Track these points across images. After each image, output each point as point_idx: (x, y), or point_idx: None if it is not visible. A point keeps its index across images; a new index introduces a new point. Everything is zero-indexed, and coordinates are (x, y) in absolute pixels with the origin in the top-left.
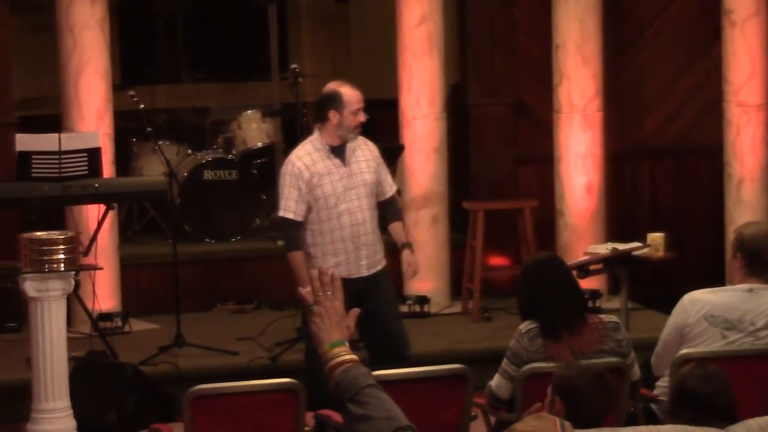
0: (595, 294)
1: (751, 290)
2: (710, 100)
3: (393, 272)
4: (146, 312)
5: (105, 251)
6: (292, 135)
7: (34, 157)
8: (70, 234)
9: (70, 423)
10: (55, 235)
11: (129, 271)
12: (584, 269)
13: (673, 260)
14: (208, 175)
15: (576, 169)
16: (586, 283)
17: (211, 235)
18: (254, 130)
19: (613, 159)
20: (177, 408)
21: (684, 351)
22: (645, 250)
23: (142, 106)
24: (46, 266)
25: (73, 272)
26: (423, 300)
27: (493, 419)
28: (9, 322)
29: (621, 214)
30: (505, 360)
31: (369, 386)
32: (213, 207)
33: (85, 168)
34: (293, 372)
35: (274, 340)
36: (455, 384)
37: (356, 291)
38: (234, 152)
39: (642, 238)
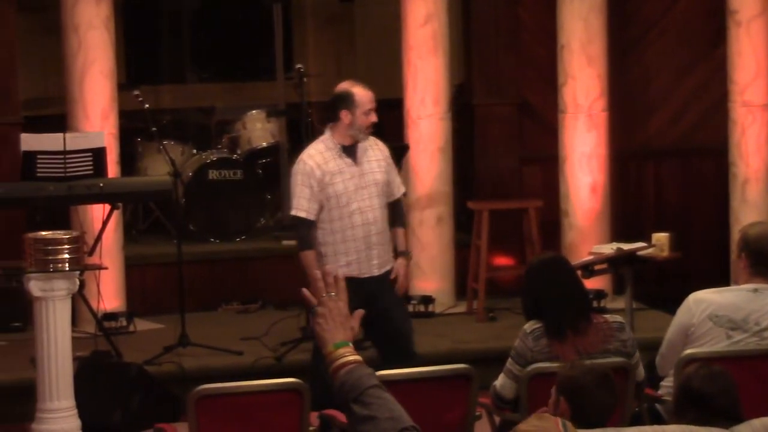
0: (599, 294)
1: (756, 290)
2: (715, 99)
3: None
4: (151, 312)
5: (110, 251)
6: (296, 135)
7: (39, 156)
8: (74, 234)
9: (75, 422)
10: (59, 234)
11: (134, 270)
12: (589, 269)
13: (678, 260)
14: (212, 174)
15: (581, 169)
16: (591, 283)
17: (216, 235)
18: (259, 129)
19: (618, 159)
20: (181, 408)
21: (689, 351)
22: (650, 250)
23: (147, 105)
24: (51, 266)
25: (78, 272)
26: (428, 300)
27: (497, 419)
28: (14, 321)
29: (626, 214)
30: (509, 360)
31: (373, 387)
32: (218, 207)
33: (90, 168)
34: (298, 372)
35: (279, 339)
36: (460, 384)
37: (367, 290)
38: (239, 152)
39: (647, 238)
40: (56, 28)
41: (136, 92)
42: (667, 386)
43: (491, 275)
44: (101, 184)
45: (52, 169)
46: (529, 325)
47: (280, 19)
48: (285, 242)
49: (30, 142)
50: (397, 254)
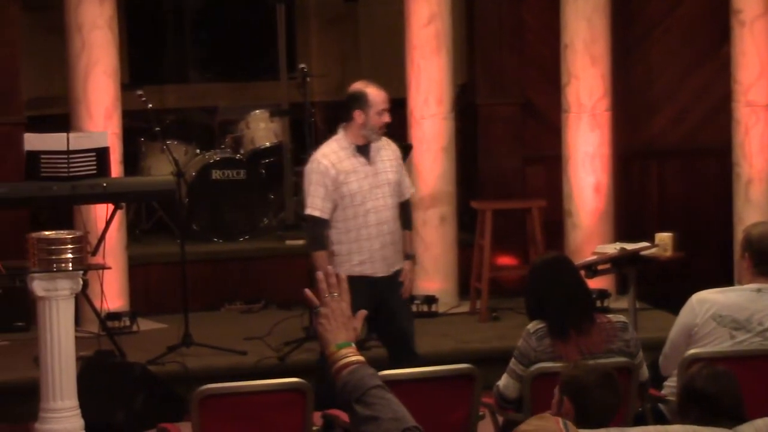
0: (603, 294)
1: (759, 290)
2: (719, 99)
3: None
4: (154, 311)
5: (113, 251)
6: (300, 135)
7: (42, 156)
8: (78, 233)
9: (78, 422)
10: (63, 234)
11: (137, 270)
12: (592, 269)
13: (682, 260)
14: (216, 174)
15: (584, 168)
16: (594, 283)
17: (219, 235)
18: (262, 129)
19: (621, 159)
20: (185, 407)
21: (692, 351)
22: (653, 250)
23: (151, 105)
24: (55, 266)
25: (81, 272)
26: (431, 300)
27: (500, 419)
28: (17, 321)
29: (629, 213)
30: (512, 360)
31: (376, 387)
32: (221, 206)
33: (94, 167)
34: (301, 372)
35: (282, 339)
36: (463, 384)
37: (378, 289)
38: (242, 152)
39: (650, 238)
40: (60, 28)
41: (140, 92)
42: (670, 386)
43: (494, 275)
44: (104, 184)
45: (56, 168)
46: (533, 325)
47: (283, 19)
48: (288, 242)
49: (33, 141)
50: (404, 257)
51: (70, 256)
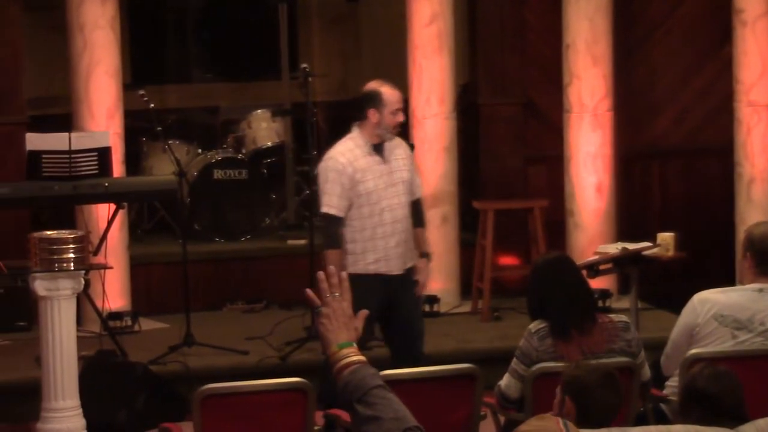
0: (604, 294)
1: (761, 290)
2: (721, 99)
3: None
4: (156, 311)
5: (115, 250)
6: (302, 134)
7: (44, 156)
8: (79, 233)
9: (80, 422)
10: (65, 234)
11: (139, 270)
12: (594, 269)
13: (683, 260)
14: (218, 174)
15: (586, 168)
16: (596, 283)
17: (221, 235)
18: (264, 129)
19: (623, 159)
20: (187, 407)
21: (694, 351)
22: (655, 250)
23: (152, 105)
24: (56, 265)
25: (83, 271)
26: (433, 299)
27: (502, 419)
28: (19, 321)
29: (631, 213)
30: (514, 360)
31: (377, 387)
32: (223, 206)
33: (96, 167)
34: (303, 371)
35: (284, 339)
36: (465, 384)
37: (392, 288)
38: (244, 152)
39: (652, 238)
40: (62, 28)
41: (142, 92)
42: (672, 386)
43: (496, 275)
44: (106, 184)
45: (58, 168)
46: (534, 325)
47: (285, 19)
48: (290, 242)
49: (35, 141)
50: (419, 254)
51: (71, 255)
